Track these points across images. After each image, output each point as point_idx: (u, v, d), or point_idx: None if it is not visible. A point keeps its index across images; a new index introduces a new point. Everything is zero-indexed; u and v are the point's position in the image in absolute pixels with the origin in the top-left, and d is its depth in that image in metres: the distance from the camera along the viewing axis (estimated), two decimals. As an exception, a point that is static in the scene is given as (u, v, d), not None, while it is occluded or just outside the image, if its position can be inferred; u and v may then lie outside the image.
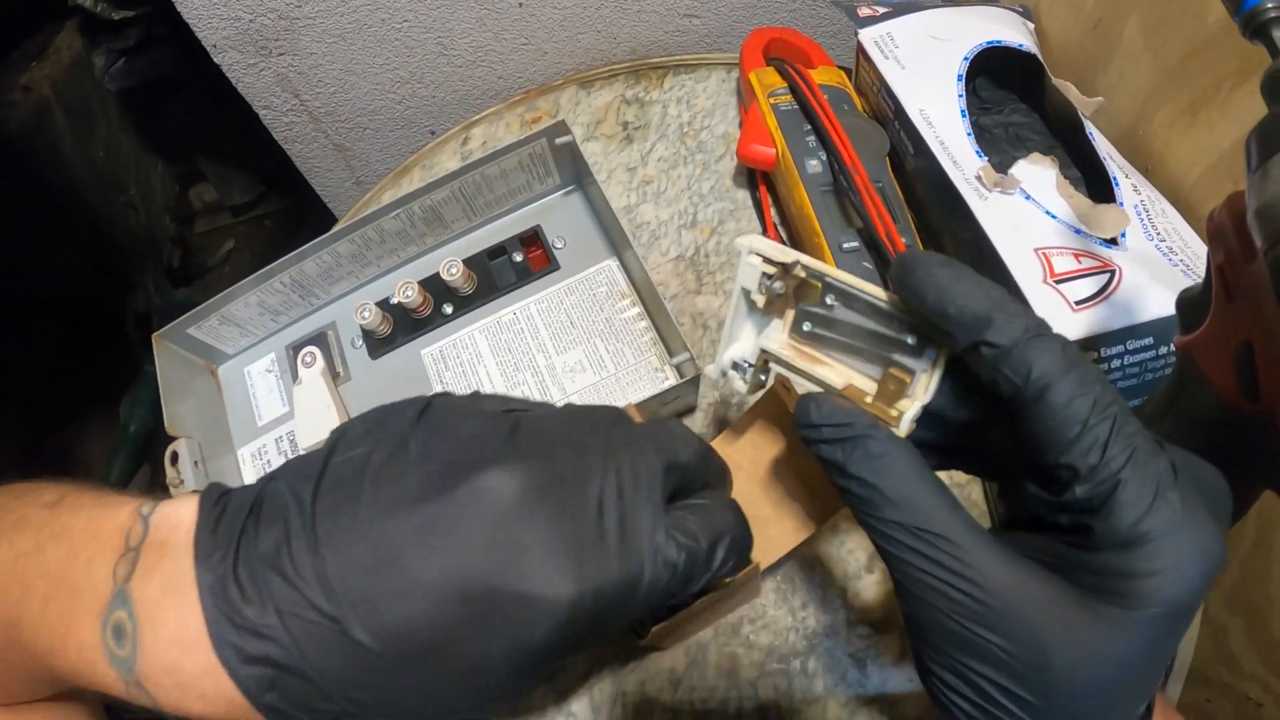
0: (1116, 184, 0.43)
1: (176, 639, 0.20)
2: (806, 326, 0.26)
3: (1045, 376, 0.20)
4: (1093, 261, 0.40)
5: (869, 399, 0.24)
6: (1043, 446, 0.20)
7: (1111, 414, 0.20)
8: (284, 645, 0.19)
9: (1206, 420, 0.30)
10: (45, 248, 0.94)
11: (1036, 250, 0.41)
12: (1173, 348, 0.39)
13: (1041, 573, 0.21)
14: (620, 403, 0.44)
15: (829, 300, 0.25)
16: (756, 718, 0.38)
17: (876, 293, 0.24)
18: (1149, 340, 0.39)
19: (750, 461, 0.33)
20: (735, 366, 0.28)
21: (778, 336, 0.27)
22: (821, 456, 0.23)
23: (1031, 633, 0.20)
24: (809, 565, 0.40)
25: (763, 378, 0.27)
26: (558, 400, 0.45)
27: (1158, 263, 0.41)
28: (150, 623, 0.20)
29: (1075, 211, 0.42)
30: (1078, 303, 0.39)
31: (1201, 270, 0.41)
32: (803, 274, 0.25)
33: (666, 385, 0.44)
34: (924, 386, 0.23)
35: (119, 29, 0.88)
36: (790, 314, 0.26)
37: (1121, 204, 0.43)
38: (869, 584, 0.40)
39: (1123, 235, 0.42)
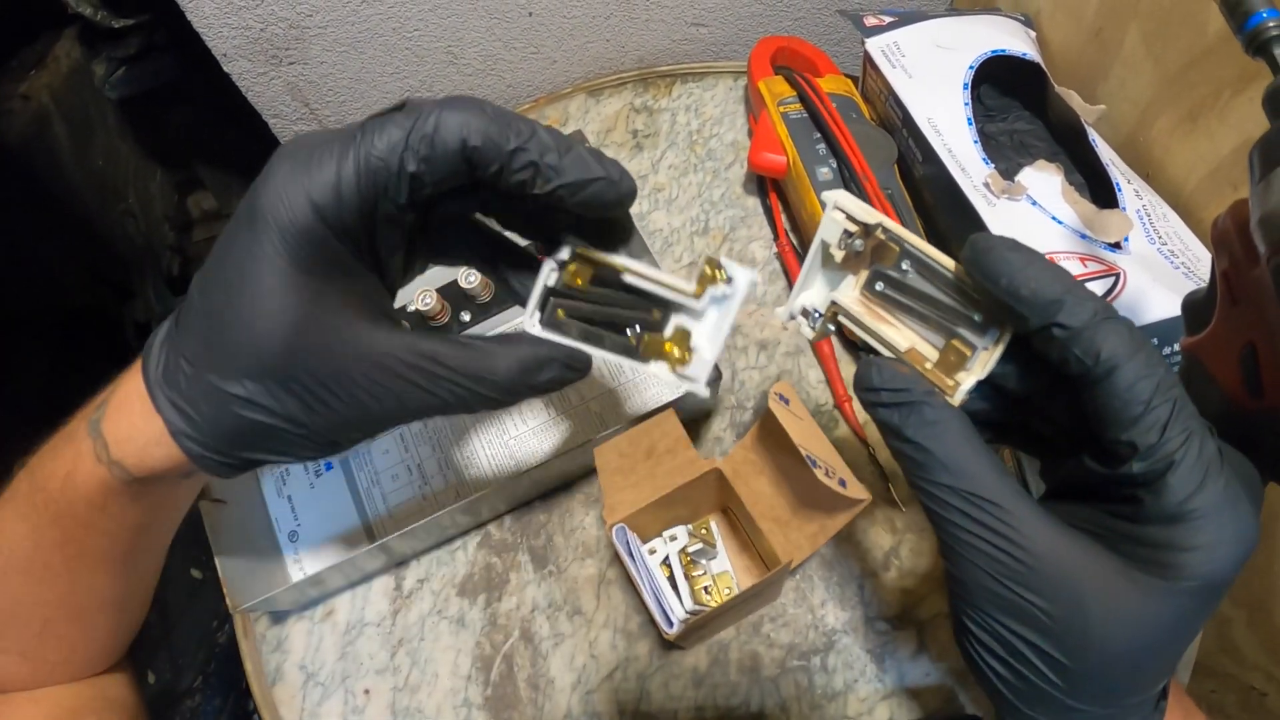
0: (1119, 189, 0.45)
1: (133, 419, 0.26)
2: (879, 286, 0.26)
3: (1114, 357, 0.21)
4: (1098, 265, 0.41)
5: (929, 365, 0.25)
6: (1106, 422, 0.21)
7: (1172, 397, 0.21)
8: (188, 398, 0.25)
9: (1212, 417, 0.31)
10: (44, 256, 0.94)
11: (1044, 255, 0.42)
12: (1177, 349, 0.40)
13: (1085, 540, 0.22)
14: (639, 410, 0.45)
15: (904, 265, 0.26)
16: (778, 714, 0.38)
17: (951, 265, 0.25)
18: (1154, 341, 0.40)
19: (772, 468, 0.34)
20: (804, 313, 0.28)
21: (850, 292, 0.27)
22: (878, 419, 0.24)
23: (1073, 594, 0.21)
24: (827, 564, 0.41)
25: (831, 327, 0.28)
26: (576, 405, 0.46)
27: (1160, 266, 0.42)
28: (113, 416, 0.27)
29: (1080, 217, 0.43)
30: (1086, 305, 0.40)
31: (1202, 273, 0.43)
32: (882, 236, 0.26)
33: (683, 390, 0.45)
34: (983, 363, 0.24)
35: (119, 37, 0.88)
36: (864, 273, 0.27)
37: (1124, 209, 0.44)
38: (886, 581, 0.41)
39: (1126, 239, 0.43)
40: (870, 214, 0.26)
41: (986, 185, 0.44)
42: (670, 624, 0.33)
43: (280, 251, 0.23)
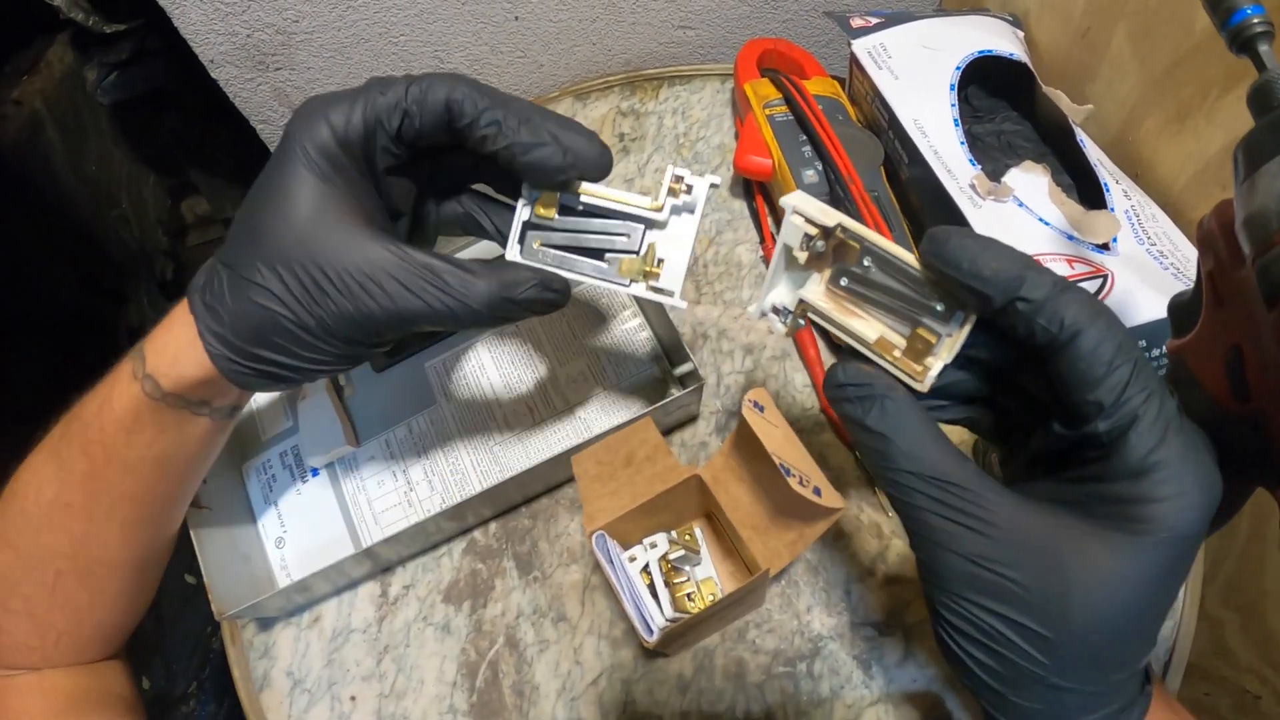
0: (1107, 190, 0.44)
1: (172, 331, 0.31)
2: (844, 282, 0.27)
3: (1077, 323, 0.22)
4: (1086, 266, 0.41)
5: (897, 353, 0.26)
6: (1072, 385, 0.22)
7: (1133, 358, 0.22)
8: (218, 294, 0.29)
9: (1198, 420, 0.31)
10: (37, 262, 0.94)
11: (1032, 256, 0.41)
12: (1164, 350, 0.40)
13: (1052, 509, 0.23)
14: (624, 415, 0.45)
15: (865, 262, 0.26)
16: (764, 721, 0.38)
17: (911, 260, 0.25)
18: (1142, 343, 0.40)
19: (749, 475, 0.34)
20: (775, 310, 0.29)
21: (816, 289, 0.28)
22: (843, 414, 0.25)
23: (1046, 563, 0.22)
24: (813, 569, 0.41)
25: (801, 322, 0.29)
26: (561, 411, 0.45)
27: (1149, 266, 0.42)
28: (156, 334, 0.31)
29: (1068, 218, 0.43)
30: (1072, 307, 0.40)
31: (1192, 273, 0.42)
32: (842, 235, 0.26)
33: (670, 396, 0.45)
34: (949, 348, 0.25)
35: (111, 42, 0.88)
36: (828, 270, 0.28)
37: (1113, 209, 0.43)
38: (872, 587, 0.41)
39: (1114, 240, 0.43)
40: (829, 215, 0.26)
41: (973, 187, 0.44)
42: (650, 631, 0.33)
43: (302, 161, 0.28)
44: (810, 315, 0.28)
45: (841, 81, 0.54)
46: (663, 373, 0.46)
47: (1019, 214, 0.43)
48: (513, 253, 0.31)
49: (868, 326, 0.27)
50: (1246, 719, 0.48)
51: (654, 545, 0.37)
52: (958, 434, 0.40)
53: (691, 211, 0.30)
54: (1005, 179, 0.44)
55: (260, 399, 0.49)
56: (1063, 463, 0.24)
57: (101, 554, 0.35)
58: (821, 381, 0.46)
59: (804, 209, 0.26)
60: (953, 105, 0.47)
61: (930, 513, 0.23)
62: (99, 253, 0.97)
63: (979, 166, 0.45)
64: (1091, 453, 0.23)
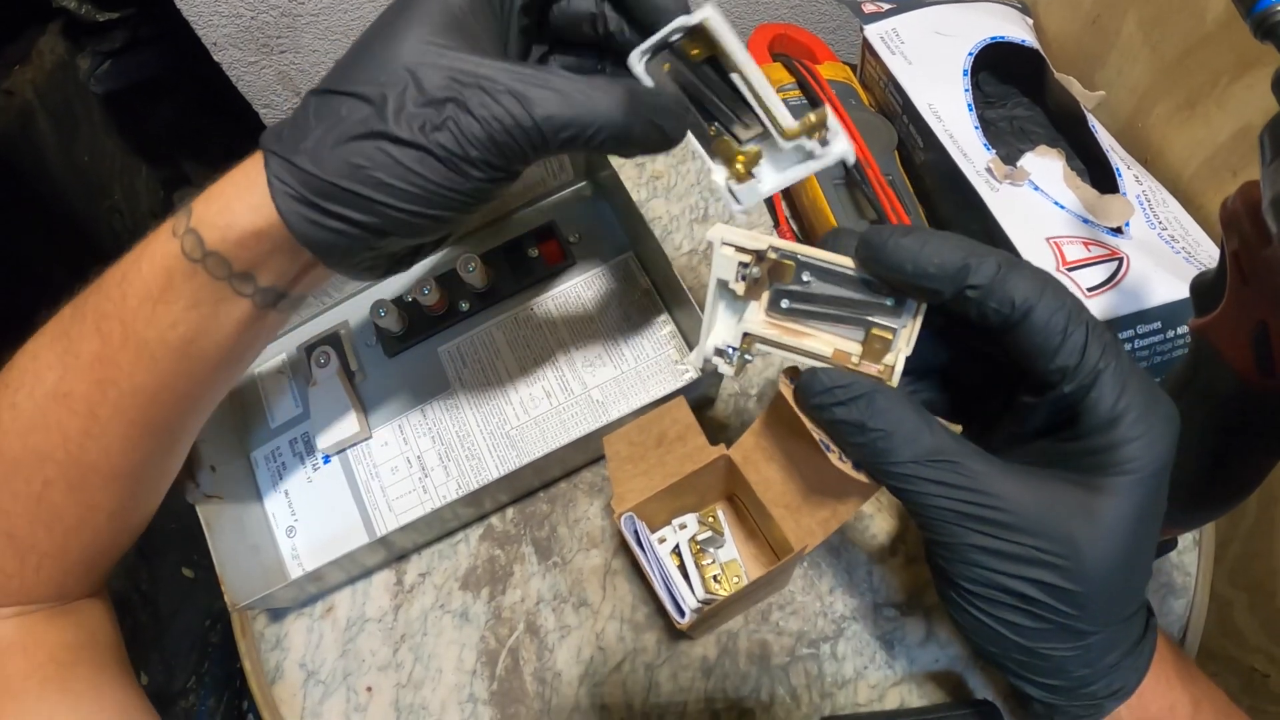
0: (1119, 175, 0.45)
1: (232, 180, 0.27)
2: (784, 304, 0.27)
3: (1027, 300, 0.22)
4: (1101, 250, 0.41)
5: (854, 360, 0.26)
6: (1033, 357, 0.23)
7: (1084, 320, 0.23)
8: (300, 125, 0.26)
9: (1224, 396, 0.31)
10: (28, 255, 0.92)
11: (1048, 239, 0.42)
12: (1179, 331, 0.41)
13: (1041, 474, 0.24)
14: (642, 398, 0.45)
15: (804, 277, 0.26)
16: (789, 703, 0.38)
17: (849, 264, 0.25)
18: (1157, 324, 0.40)
19: (782, 454, 0.34)
20: (719, 353, 0.29)
21: (757, 317, 0.28)
22: (838, 419, 0.25)
23: (1056, 523, 0.23)
24: (834, 551, 0.41)
25: (748, 358, 0.29)
26: (578, 394, 0.45)
27: (1161, 250, 0.42)
28: (210, 189, 0.27)
29: (1082, 202, 0.43)
30: (1089, 289, 0.40)
31: (1202, 257, 0.43)
32: (775, 256, 0.26)
33: (687, 378, 0.45)
34: (906, 339, 0.25)
35: (104, 31, 0.86)
36: (765, 295, 0.28)
37: (1125, 194, 0.44)
38: (894, 567, 0.41)
39: (1127, 225, 0.43)
40: (758, 239, 0.26)
41: (989, 171, 0.44)
42: (682, 614, 0.33)
43: (424, 12, 0.25)
44: (760, 347, 0.28)
45: (852, 68, 0.54)
46: (679, 355, 0.46)
47: (1034, 197, 0.43)
48: (638, 59, 0.28)
49: (819, 343, 0.27)
50: (1255, 698, 0.49)
51: (684, 526, 0.37)
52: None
53: (811, 159, 0.28)
54: (1020, 163, 0.44)
55: (269, 387, 0.48)
56: (1037, 431, 0.25)
57: (99, 460, 0.31)
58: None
59: (731, 239, 0.26)
60: (966, 90, 0.47)
61: (942, 497, 0.24)
62: (91, 244, 0.95)
63: (993, 151, 0.45)
64: (1062, 415, 0.24)
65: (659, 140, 0.27)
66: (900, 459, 0.24)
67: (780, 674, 0.39)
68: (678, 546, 0.37)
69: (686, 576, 0.36)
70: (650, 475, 0.34)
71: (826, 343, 0.27)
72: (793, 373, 0.29)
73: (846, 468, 0.27)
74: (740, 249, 0.26)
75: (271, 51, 0.56)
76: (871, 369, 0.26)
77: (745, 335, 0.28)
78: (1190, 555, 0.42)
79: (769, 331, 0.27)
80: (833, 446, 0.27)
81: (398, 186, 0.25)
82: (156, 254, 0.28)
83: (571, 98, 0.25)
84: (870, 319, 0.26)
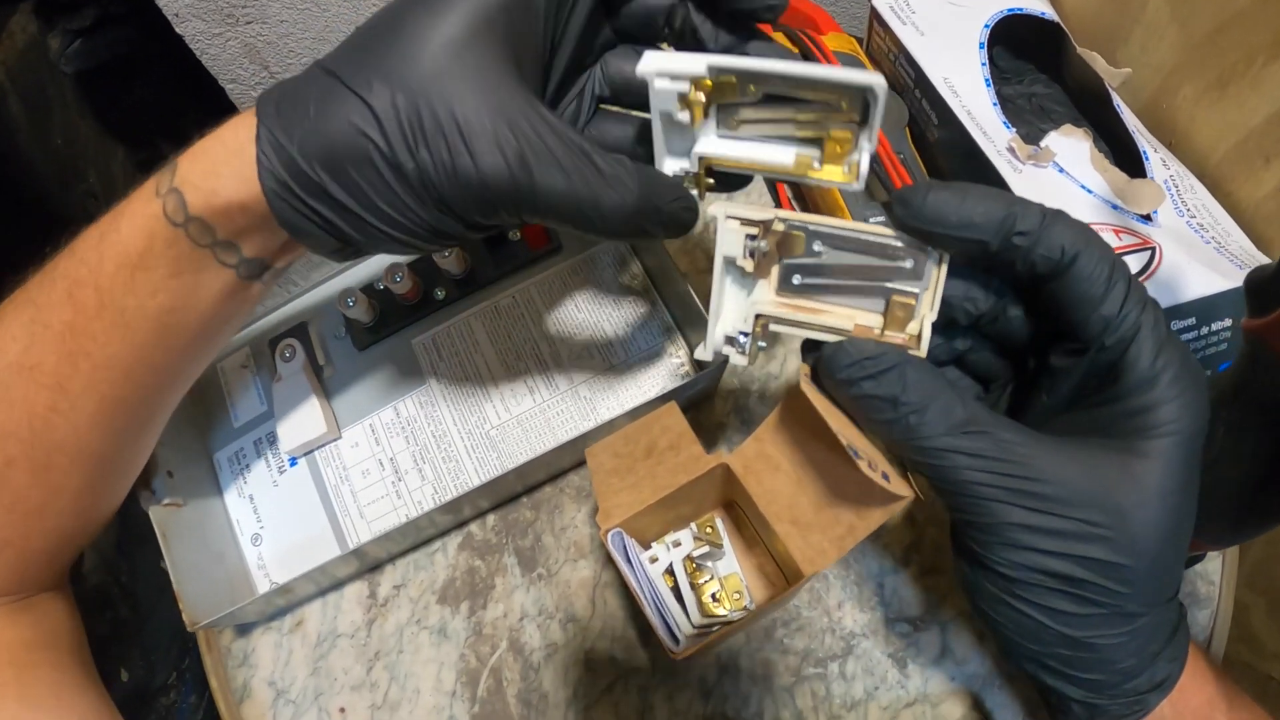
0: (1146, 158, 0.42)
1: (220, 139, 0.25)
2: (796, 280, 0.25)
3: (1074, 246, 0.22)
4: (1133, 238, 0.39)
5: (877, 331, 0.25)
6: (1075, 305, 0.22)
7: (1124, 274, 0.22)
8: (297, 96, 0.24)
9: (1281, 403, 0.29)
10: (2, 241, 0.87)
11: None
12: (1213, 327, 0.38)
13: (1079, 442, 0.23)
14: (634, 395, 0.41)
15: (816, 247, 0.25)
16: (793, 726, 0.36)
17: (864, 228, 0.24)
18: (1192, 320, 0.37)
19: (789, 462, 0.31)
20: (730, 341, 0.26)
21: (768, 297, 0.26)
22: (868, 394, 0.24)
23: (1100, 493, 0.22)
24: (843, 563, 0.38)
25: (762, 344, 0.26)
26: (564, 391, 0.42)
27: (1191, 240, 0.40)
28: (197, 145, 0.26)
29: (1111, 186, 0.40)
30: (1119, 281, 0.37)
31: (1232, 247, 0.40)
32: (782, 227, 0.24)
33: (684, 373, 0.41)
34: (929, 303, 0.24)
35: (74, 9, 0.81)
36: (775, 272, 0.26)
37: (1153, 178, 0.41)
38: (905, 580, 0.38)
39: (1154, 212, 0.40)
40: (763, 210, 0.24)
41: (1011, 150, 0.41)
42: (676, 641, 0.30)
43: (454, 7, 0.23)
44: (772, 328, 0.26)
45: (858, 40, 0.50)
46: (674, 348, 0.42)
47: (1060, 180, 0.40)
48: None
49: (838, 318, 0.25)
50: (1272, 706, 0.47)
51: (677, 544, 0.34)
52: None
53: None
54: (1045, 143, 0.41)
55: (232, 384, 0.45)
56: (1069, 400, 0.24)
57: (66, 439, 0.29)
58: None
59: (736, 212, 0.25)
60: (983, 65, 0.44)
61: (979, 471, 0.22)
62: (67, 230, 0.91)
63: (1014, 129, 0.42)
64: (1100, 372, 0.23)
65: (674, 233, 0.27)
66: (935, 433, 0.23)
67: (785, 696, 0.36)
68: (671, 566, 0.34)
69: (680, 599, 0.33)
70: (639, 488, 0.31)
71: (846, 317, 0.25)
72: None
73: (875, 476, 0.24)
74: (746, 221, 0.25)
75: (236, 23, 0.52)
76: (897, 338, 0.24)
77: (757, 317, 0.25)
78: (1214, 563, 0.40)
79: (781, 310, 0.25)
80: (861, 454, 0.24)
81: (383, 210, 0.24)
82: (138, 214, 0.26)
83: (584, 182, 0.24)
84: (890, 285, 0.24)
